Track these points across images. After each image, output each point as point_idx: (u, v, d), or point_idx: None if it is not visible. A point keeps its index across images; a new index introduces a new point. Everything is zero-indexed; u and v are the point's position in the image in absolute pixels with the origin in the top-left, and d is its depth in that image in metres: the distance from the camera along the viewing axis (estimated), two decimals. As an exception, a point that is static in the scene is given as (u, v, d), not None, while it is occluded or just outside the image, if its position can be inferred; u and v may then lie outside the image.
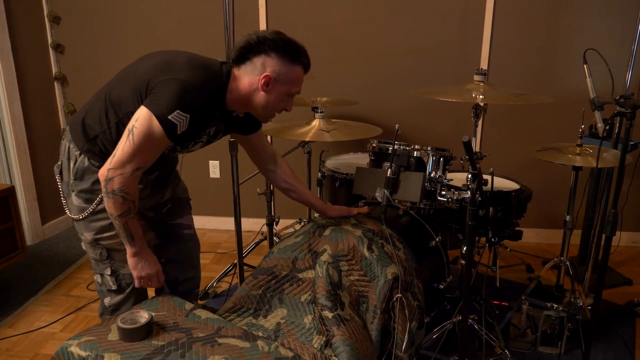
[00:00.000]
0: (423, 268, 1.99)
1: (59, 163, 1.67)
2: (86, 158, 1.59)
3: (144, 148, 1.46)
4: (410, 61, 3.11)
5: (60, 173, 1.67)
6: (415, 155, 1.92)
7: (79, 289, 2.74)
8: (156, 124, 1.42)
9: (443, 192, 1.88)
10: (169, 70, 1.48)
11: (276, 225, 2.68)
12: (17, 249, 2.65)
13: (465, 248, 1.81)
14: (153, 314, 1.51)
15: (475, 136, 1.95)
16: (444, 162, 1.91)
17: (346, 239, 1.80)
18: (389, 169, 1.86)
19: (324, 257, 1.75)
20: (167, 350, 1.38)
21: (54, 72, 3.41)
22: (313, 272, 1.75)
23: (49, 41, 3.35)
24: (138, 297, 1.77)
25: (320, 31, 3.13)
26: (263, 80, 1.54)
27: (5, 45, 3.03)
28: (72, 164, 1.61)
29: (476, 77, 1.98)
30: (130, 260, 1.63)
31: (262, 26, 3.13)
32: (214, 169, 3.48)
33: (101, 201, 1.59)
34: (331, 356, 1.53)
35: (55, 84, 3.44)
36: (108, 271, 1.71)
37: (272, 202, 2.56)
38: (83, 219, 1.63)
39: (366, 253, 1.77)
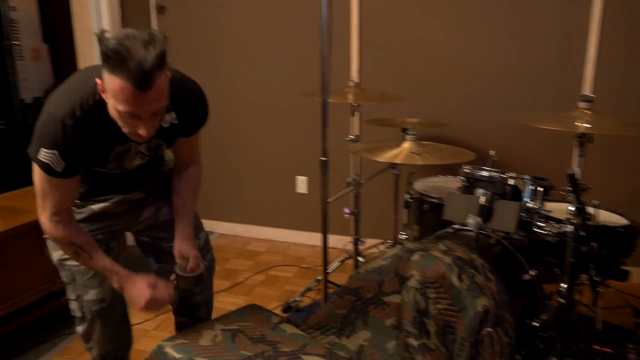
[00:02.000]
0: (515, 302, 1.89)
1: None
2: None
3: (44, 192, 1.43)
4: (505, 83, 3.00)
5: None
6: (510, 183, 1.85)
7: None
8: (36, 166, 1.39)
9: (541, 224, 1.79)
10: (45, 104, 1.40)
11: (361, 245, 2.68)
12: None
13: (564, 286, 1.71)
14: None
15: (580, 167, 1.84)
16: (542, 192, 1.82)
17: (435, 266, 1.76)
18: (483, 197, 1.80)
19: (412, 283, 1.72)
20: None
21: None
22: (399, 297, 1.72)
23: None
24: (104, 323, 1.67)
25: (412, 51, 3.10)
26: (100, 89, 1.31)
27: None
28: None
29: (581, 104, 1.87)
30: (124, 294, 1.54)
31: (355, 45, 3.16)
32: (301, 184, 3.54)
33: None
34: (414, 385, 1.50)
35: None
36: (73, 296, 1.64)
37: (358, 222, 2.56)
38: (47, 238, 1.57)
39: (456, 282, 1.71)
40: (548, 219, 1.77)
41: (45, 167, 1.37)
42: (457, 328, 1.67)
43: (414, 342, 1.57)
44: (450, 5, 3.01)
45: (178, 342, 1.49)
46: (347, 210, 2.43)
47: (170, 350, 1.46)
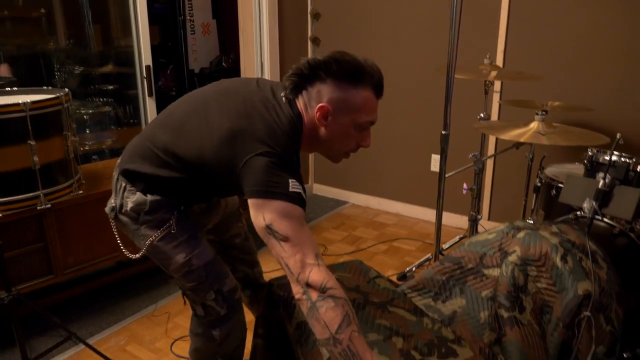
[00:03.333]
0: (630, 295, 1.79)
1: (113, 205, 1.54)
2: (156, 195, 1.48)
3: (298, 233, 1.24)
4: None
5: (115, 216, 1.55)
6: (638, 170, 1.74)
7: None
8: (286, 205, 1.25)
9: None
10: (245, 144, 1.28)
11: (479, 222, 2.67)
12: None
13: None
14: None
15: None
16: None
17: (539, 245, 1.75)
18: (602, 180, 1.72)
19: (512, 258, 1.74)
20: None
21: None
22: (498, 271, 1.75)
23: (309, 34, 3.87)
24: (241, 311, 1.63)
25: (560, 31, 2.94)
26: (319, 113, 1.31)
27: (274, 36, 3.64)
28: (136, 204, 1.49)
29: None
30: None
31: (503, 24, 3.09)
32: (436, 162, 3.58)
33: (176, 222, 1.49)
34: (498, 354, 1.54)
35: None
36: (212, 295, 1.53)
37: (479, 200, 2.56)
38: (162, 238, 1.49)
39: (559, 263, 1.69)
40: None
41: (301, 200, 1.27)
42: (554, 308, 1.66)
43: (504, 313, 1.61)
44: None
45: (285, 281, 1.69)
46: (465, 187, 2.46)
47: (277, 290, 1.69)
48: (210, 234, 1.77)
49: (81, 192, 2.40)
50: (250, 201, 1.28)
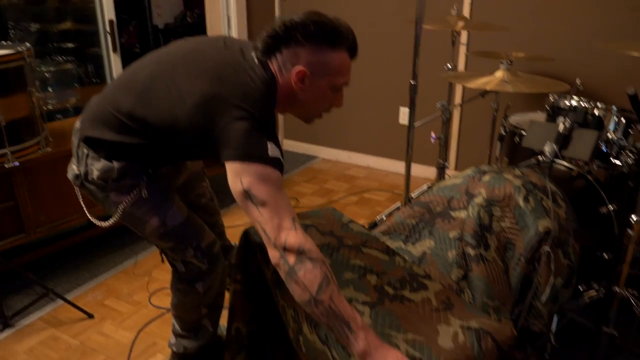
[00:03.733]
0: (586, 233, 1.91)
1: (77, 173, 1.50)
2: (121, 161, 1.44)
3: (274, 196, 1.23)
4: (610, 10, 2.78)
5: (82, 184, 1.51)
6: (595, 114, 1.83)
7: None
8: (264, 170, 1.24)
9: (620, 156, 1.77)
10: (223, 107, 1.26)
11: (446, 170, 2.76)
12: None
13: (635, 218, 1.71)
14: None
15: None
16: (625, 125, 1.78)
17: (503, 186, 1.83)
18: (562, 124, 1.81)
19: (478, 200, 1.82)
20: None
21: (276, 15, 3.89)
22: (465, 213, 1.83)
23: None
24: (221, 263, 1.66)
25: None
26: (296, 77, 1.31)
27: None
28: (103, 171, 1.45)
29: None
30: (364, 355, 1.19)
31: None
32: (404, 115, 3.64)
33: (147, 186, 1.48)
34: (465, 288, 1.64)
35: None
36: (191, 252, 1.55)
37: (447, 149, 2.64)
38: (135, 203, 1.48)
39: (521, 203, 1.79)
40: (626, 150, 1.74)
41: (279, 164, 1.26)
42: (516, 245, 1.76)
43: (471, 251, 1.69)
44: None
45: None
46: (433, 135, 2.53)
47: (254, 236, 1.73)
48: (183, 194, 1.77)
49: (49, 149, 2.36)
50: (228, 165, 1.26)
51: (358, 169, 3.85)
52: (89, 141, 1.45)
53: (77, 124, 1.52)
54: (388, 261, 1.61)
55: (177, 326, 1.76)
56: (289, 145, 4.30)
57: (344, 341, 1.21)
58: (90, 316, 2.21)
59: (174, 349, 1.80)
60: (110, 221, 1.52)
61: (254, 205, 1.23)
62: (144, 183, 1.46)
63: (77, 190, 1.56)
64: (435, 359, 1.24)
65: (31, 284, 2.32)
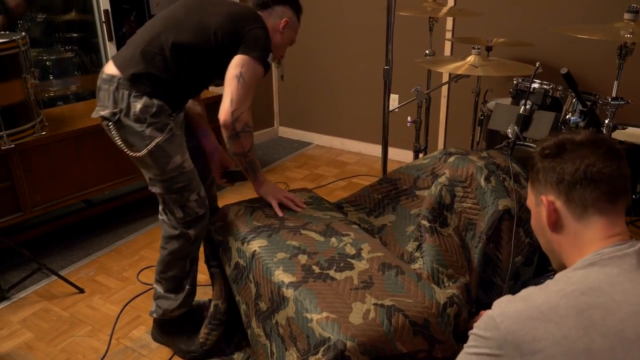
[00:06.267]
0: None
1: (114, 111, 1.70)
2: (159, 100, 1.69)
3: (252, 87, 1.72)
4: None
5: (118, 121, 1.70)
6: (554, 95, 1.89)
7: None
8: (259, 66, 1.72)
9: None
10: (248, 20, 1.74)
11: (423, 154, 2.84)
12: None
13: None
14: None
15: (618, 79, 1.80)
16: (580, 105, 1.84)
17: (466, 167, 1.91)
18: (523, 107, 1.87)
19: (442, 180, 1.90)
20: (259, 230, 1.73)
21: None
22: (428, 192, 1.91)
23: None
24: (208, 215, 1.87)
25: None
26: (284, 23, 1.84)
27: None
28: (144, 107, 1.68)
29: (627, 16, 1.80)
30: (261, 191, 1.88)
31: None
32: (393, 102, 3.71)
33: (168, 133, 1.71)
34: (418, 258, 1.72)
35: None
36: (194, 196, 1.79)
37: (421, 132, 2.72)
38: (167, 139, 1.70)
39: (482, 183, 1.86)
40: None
41: (268, 66, 1.77)
42: (477, 224, 1.84)
43: (426, 223, 1.77)
44: None
45: (218, 225, 1.86)
46: (410, 119, 2.60)
47: (215, 235, 1.85)
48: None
49: (44, 133, 2.48)
50: (238, 57, 1.71)
51: (349, 155, 3.94)
52: (133, 78, 1.69)
53: (111, 71, 1.72)
54: (323, 242, 1.68)
55: (159, 289, 1.92)
56: (284, 132, 4.40)
57: (252, 178, 1.87)
58: (81, 291, 2.34)
59: (154, 315, 1.95)
60: (141, 153, 1.72)
61: (238, 82, 1.69)
62: (173, 123, 1.74)
63: (109, 129, 1.74)
64: (342, 336, 1.30)
65: (27, 260, 2.46)
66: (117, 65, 1.73)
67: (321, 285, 1.47)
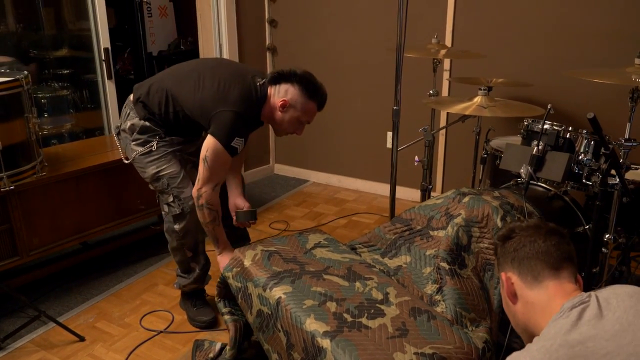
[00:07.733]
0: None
1: (118, 125, 2.25)
2: (147, 122, 2.13)
3: (217, 169, 1.96)
4: (587, 43, 2.91)
5: (119, 133, 2.24)
6: (566, 136, 1.92)
7: (264, 226, 3.28)
8: (222, 150, 1.92)
9: (591, 177, 1.85)
10: (225, 101, 1.95)
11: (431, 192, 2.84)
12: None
13: (608, 236, 1.78)
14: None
15: (630, 121, 1.84)
16: (594, 146, 1.87)
17: (482, 207, 1.91)
18: (536, 147, 1.89)
19: (458, 220, 1.89)
20: (281, 276, 1.69)
21: (267, 43, 4.01)
22: (444, 232, 1.90)
23: (266, 17, 3.94)
24: (193, 214, 2.13)
25: (505, 12, 3.11)
26: (280, 103, 1.99)
27: (231, 18, 3.69)
28: (132, 125, 2.15)
29: (637, 61, 1.86)
30: (218, 258, 2.11)
31: (451, 7, 3.24)
32: (391, 139, 3.73)
33: (157, 145, 2.13)
34: (439, 301, 1.69)
35: (267, 54, 4.04)
36: (171, 198, 2.13)
37: (430, 172, 2.72)
38: (144, 154, 2.13)
39: (499, 223, 1.86)
40: (597, 171, 1.82)
41: (233, 150, 1.95)
42: (495, 265, 1.83)
43: (445, 265, 1.76)
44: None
45: (235, 272, 1.83)
46: (417, 158, 2.61)
47: (232, 282, 1.83)
48: (192, 156, 2.32)
49: (44, 174, 2.43)
50: (208, 137, 1.97)
51: (347, 193, 3.93)
52: (136, 103, 2.16)
53: (131, 95, 2.23)
54: (347, 287, 1.66)
55: (177, 270, 2.35)
56: (279, 169, 4.38)
57: (214, 246, 2.12)
58: (82, 339, 2.24)
59: (176, 286, 2.39)
60: (129, 161, 2.24)
61: (204, 164, 1.96)
62: (156, 142, 2.14)
63: (116, 140, 2.32)
64: None
65: (23, 306, 2.36)
66: (134, 91, 2.22)
67: (357, 335, 1.43)
